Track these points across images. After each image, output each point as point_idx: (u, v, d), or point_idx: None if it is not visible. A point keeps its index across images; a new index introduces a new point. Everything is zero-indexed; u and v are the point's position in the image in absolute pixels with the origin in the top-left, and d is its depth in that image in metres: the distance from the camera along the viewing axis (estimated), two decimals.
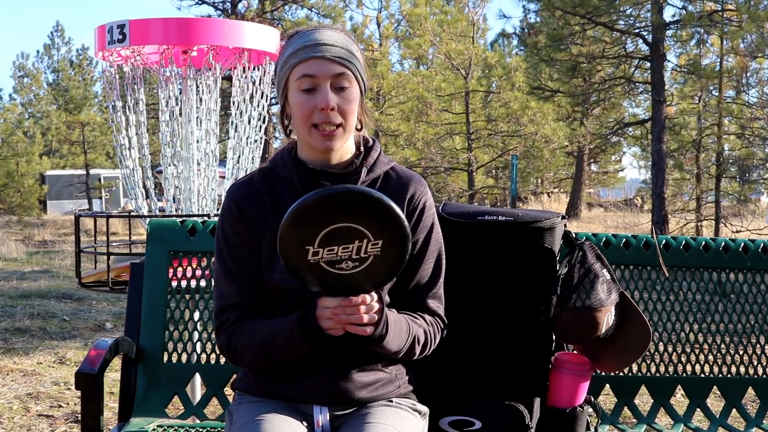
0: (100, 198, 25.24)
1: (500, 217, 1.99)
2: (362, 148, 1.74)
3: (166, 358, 2.25)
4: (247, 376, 1.75)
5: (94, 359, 1.92)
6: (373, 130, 1.88)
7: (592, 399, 2.05)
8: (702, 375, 2.41)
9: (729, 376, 2.43)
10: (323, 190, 1.48)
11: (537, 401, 1.96)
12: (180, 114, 4.39)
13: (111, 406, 3.97)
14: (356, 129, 1.71)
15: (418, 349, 1.69)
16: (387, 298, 1.69)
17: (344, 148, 1.70)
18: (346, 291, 1.51)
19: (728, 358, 2.44)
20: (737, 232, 12.87)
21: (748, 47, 13.26)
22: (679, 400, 2.83)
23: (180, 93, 4.35)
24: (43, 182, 24.83)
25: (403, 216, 1.49)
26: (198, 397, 3.01)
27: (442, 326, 1.76)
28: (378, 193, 1.48)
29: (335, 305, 1.50)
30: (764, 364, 2.45)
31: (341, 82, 1.63)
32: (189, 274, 2.32)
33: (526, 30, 26.10)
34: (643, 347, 1.99)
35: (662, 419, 2.88)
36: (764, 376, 2.44)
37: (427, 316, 1.72)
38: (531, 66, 16.35)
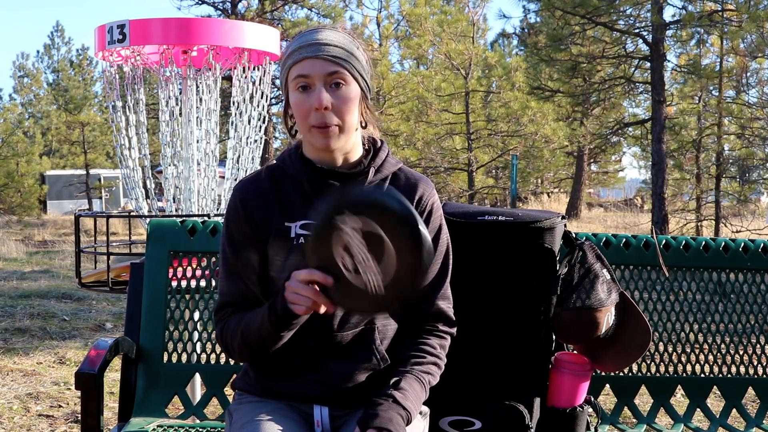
0: (100, 198, 25.24)
1: (500, 217, 1.99)
2: (370, 149, 1.75)
3: (166, 358, 2.25)
4: (248, 375, 1.76)
5: (94, 359, 1.92)
6: (377, 126, 1.86)
7: (592, 399, 2.05)
8: (702, 375, 2.41)
9: (729, 376, 2.43)
10: (407, 207, 1.40)
11: (537, 401, 1.96)
12: (180, 114, 4.39)
13: (111, 406, 3.97)
14: (361, 126, 1.72)
15: (436, 381, 1.72)
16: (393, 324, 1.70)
17: (350, 148, 1.70)
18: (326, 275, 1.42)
19: (728, 358, 2.44)
20: (737, 232, 12.87)
21: (748, 47, 13.26)
22: (679, 400, 2.83)
23: (180, 93, 4.34)
24: (43, 182, 24.83)
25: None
26: (198, 397, 3.01)
27: (450, 330, 1.76)
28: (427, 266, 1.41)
29: (306, 278, 1.47)
30: (764, 364, 2.45)
31: (336, 81, 1.63)
32: (189, 274, 2.32)
33: (526, 30, 26.11)
34: (643, 347, 2.00)
35: (662, 419, 2.88)
36: (764, 376, 2.44)
37: (433, 340, 1.71)
38: (531, 66, 16.34)
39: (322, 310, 1.50)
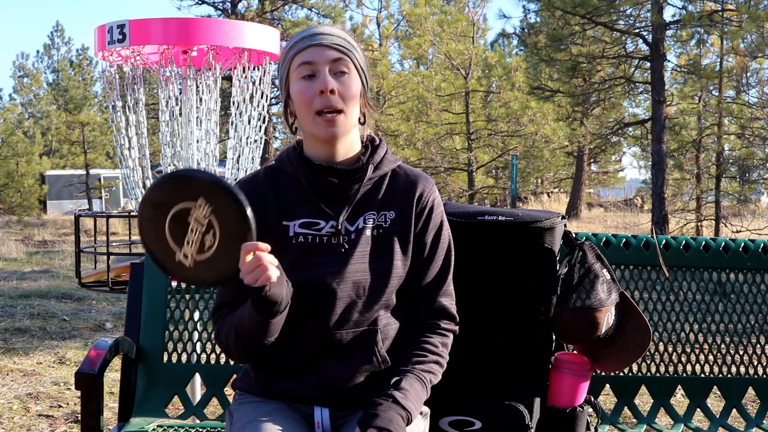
0: (100, 198, 25.24)
1: (500, 217, 1.99)
2: (369, 146, 1.75)
3: (166, 358, 2.25)
4: (248, 375, 1.75)
5: (94, 359, 1.93)
6: (374, 127, 1.89)
7: (592, 399, 2.05)
8: (702, 375, 2.41)
9: (729, 376, 2.43)
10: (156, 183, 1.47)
11: (537, 401, 1.96)
12: (180, 114, 4.39)
13: (111, 406, 3.97)
14: (360, 123, 1.72)
15: (438, 380, 1.71)
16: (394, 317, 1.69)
17: (349, 143, 1.70)
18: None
19: (728, 358, 2.43)
20: (737, 232, 12.87)
21: (748, 47, 13.26)
22: (679, 400, 2.83)
23: (180, 93, 4.34)
24: (43, 182, 24.83)
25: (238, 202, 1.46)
26: (198, 397, 3.01)
27: (452, 327, 1.76)
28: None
29: (245, 254, 1.47)
30: (764, 364, 2.45)
31: (340, 68, 1.64)
32: None
33: (526, 30, 26.12)
34: (643, 347, 2.00)
35: (662, 419, 2.87)
36: (764, 376, 2.44)
37: (435, 338, 1.71)
38: (531, 66, 16.35)
39: (275, 261, 1.50)
